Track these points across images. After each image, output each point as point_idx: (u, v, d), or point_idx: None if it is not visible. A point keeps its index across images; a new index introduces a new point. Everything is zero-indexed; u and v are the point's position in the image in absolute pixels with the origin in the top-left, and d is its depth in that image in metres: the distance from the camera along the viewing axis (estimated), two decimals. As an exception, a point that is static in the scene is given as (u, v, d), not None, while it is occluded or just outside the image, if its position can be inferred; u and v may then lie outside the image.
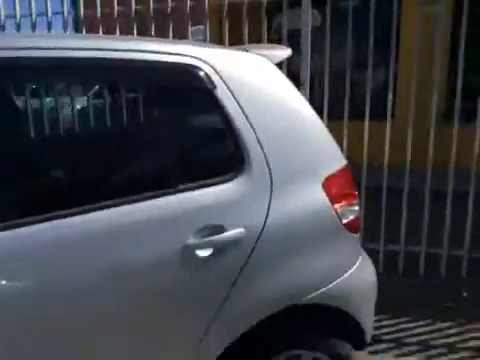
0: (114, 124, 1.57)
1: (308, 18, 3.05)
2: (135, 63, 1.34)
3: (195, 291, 1.37)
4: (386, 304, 2.27)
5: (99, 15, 3.49)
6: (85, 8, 3.74)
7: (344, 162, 1.64)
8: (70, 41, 1.38)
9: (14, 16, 3.89)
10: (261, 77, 1.50)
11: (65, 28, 3.83)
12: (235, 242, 1.38)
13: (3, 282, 1.19)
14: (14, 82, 1.42)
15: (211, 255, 1.36)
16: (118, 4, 3.38)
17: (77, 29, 4.30)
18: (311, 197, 1.51)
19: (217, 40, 3.48)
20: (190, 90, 1.41)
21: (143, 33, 3.23)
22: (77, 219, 1.27)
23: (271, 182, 1.44)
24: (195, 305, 1.38)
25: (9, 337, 1.20)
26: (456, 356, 2.35)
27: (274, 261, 1.45)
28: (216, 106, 1.38)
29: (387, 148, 3.10)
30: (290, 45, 2.04)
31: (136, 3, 3.40)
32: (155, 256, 1.30)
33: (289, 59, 1.84)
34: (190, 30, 3.30)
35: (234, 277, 1.40)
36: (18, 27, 3.83)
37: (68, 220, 1.25)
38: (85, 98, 1.85)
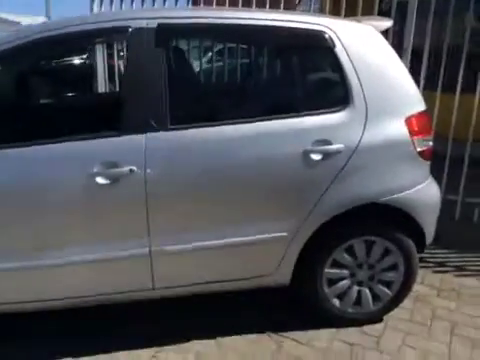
0: (268, 70, 2.35)
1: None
2: (283, 29, 2.08)
3: (308, 181, 2.10)
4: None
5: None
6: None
7: (423, 107, 2.22)
8: (241, 13, 2.15)
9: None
10: (367, 40, 2.15)
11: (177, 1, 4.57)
12: (337, 152, 2.07)
13: (182, 167, 1.99)
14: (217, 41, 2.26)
15: (321, 159, 2.07)
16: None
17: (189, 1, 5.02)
18: (394, 128, 2.14)
19: (334, 11, 4.04)
20: (318, 47, 2.12)
21: (249, 4, 3.86)
22: (238, 127, 2.05)
23: (366, 115, 2.10)
24: (307, 190, 2.11)
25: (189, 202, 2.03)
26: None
27: (363, 169, 2.12)
28: (334, 59, 2.07)
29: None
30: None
31: None
32: (286, 153, 2.05)
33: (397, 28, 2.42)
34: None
35: (334, 175, 2.10)
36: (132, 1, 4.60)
37: (235, 126, 2.05)
38: (249, 52, 2.71)
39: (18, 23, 22.67)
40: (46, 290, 2.07)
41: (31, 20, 24.36)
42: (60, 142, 1.97)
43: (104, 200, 1.97)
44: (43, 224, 1.97)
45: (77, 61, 7.78)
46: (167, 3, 4.51)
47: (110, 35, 2.18)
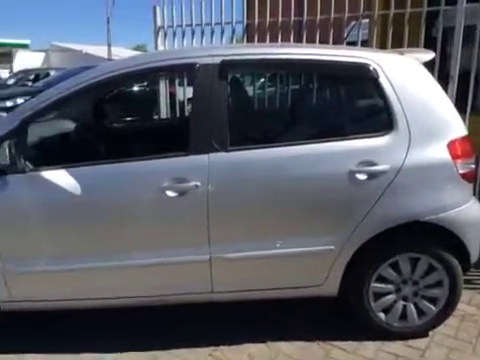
0: (317, 97, 2.61)
1: (461, 18, 3.48)
2: (333, 62, 2.33)
3: (353, 199, 2.29)
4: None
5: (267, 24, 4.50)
6: (248, 18, 4.81)
7: (464, 132, 2.37)
8: (295, 49, 2.43)
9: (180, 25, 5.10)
10: (409, 71, 2.35)
11: (233, 36, 4.94)
12: (382, 173, 2.26)
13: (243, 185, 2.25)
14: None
15: (366, 179, 2.26)
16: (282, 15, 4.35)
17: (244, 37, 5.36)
18: (437, 151, 2.29)
19: (381, 42, 4.24)
20: (363, 78, 2.35)
21: (299, 39, 4.14)
22: (290, 148, 2.29)
23: (409, 139, 2.27)
24: (353, 208, 2.30)
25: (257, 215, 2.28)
26: None
27: (407, 189, 2.28)
28: (378, 88, 2.29)
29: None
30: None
31: (295, 15, 4.34)
32: (333, 173, 2.26)
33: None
34: (351, 24, 4.12)
35: (379, 194, 2.27)
36: (183, 35, 5.02)
37: (287, 148, 2.30)
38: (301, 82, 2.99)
39: (80, 51, 24.51)
40: (121, 288, 2.37)
41: (93, 48, 26.07)
42: (136, 160, 2.30)
43: (172, 211, 2.26)
44: (119, 231, 2.28)
45: (144, 90, 8.48)
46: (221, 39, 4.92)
47: (181, 70, 2.53)
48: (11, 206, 2.25)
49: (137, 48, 41.35)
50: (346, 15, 4.27)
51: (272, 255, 2.31)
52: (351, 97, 2.48)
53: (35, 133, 2.40)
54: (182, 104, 5.32)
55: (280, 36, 4.39)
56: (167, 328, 2.60)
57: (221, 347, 2.42)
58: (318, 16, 4.37)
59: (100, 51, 24.63)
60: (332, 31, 4.20)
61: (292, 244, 2.31)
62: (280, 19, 4.53)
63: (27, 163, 2.21)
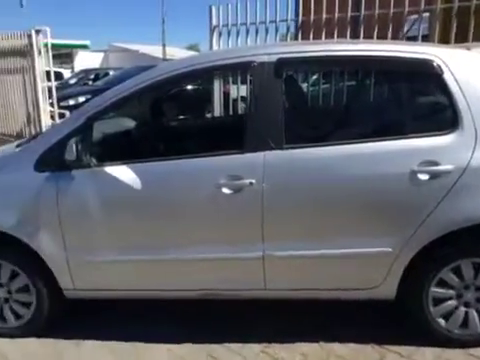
0: (376, 94, 2.54)
1: None
2: (393, 58, 2.26)
3: (414, 200, 2.21)
4: None
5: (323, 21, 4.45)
6: (303, 16, 4.76)
7: None
8: (356, 46, 2.38)
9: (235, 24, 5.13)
10: (476, 67, 2.22)
11: (287, 33, 4.92)
12: (446, 173, 2.16)
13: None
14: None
15: (428, 179, 2.17)
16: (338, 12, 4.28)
17: (297, 34, 5.33)
18: (506, 153, 2.16)
19: (443, 36, 4.07)
20: (426, 74, 2.26)
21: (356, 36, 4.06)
22: (347, 147, 2.25)
23: (476, 137, 2.16)
24: (413, 209, 2.22)
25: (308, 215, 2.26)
26: None
27: (472, 190, 2.17)
28: (442, 85, 2.19)
29: None
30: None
31: (352, 10, 4.24)
32: (393, 173, 2.19)
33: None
34: (410, 18, 3.99)
35: (442, 196, 2.18)
36: (237, 34, 5.08)
37: (344, 146, 2.26)
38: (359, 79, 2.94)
39: (137, 51, 25.40)
40: (177, 281, 2.44)
41: (149, 48, 26.93)
42: (193, 158, 2.35)
43: (227, 207, 2.29)
44: (176, 225, 2.35)
45: (198, 89, 8.67)
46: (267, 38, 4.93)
47: (239, 68, 2.55)
48: (76, 199, 2.37)
49: (190, 47, 42.12)
50: (406, 9, 4.15)
51: (326, 255, 2.29)
52: (413, 94, 2.40)
53: (98, 130, 2.52)
54: (236, 102, 5.38)
55: (336, 33, 4.33)
56: (219, 322, 2.65)
57: (273, 345, 2.43)
58: (376, 11, 4.27)
59: (155, 51, 25.36)
60: (391, 26, 4.09)
61: (347, 245, 2.27)
62: (336, 15, 4.47)
63: (92, 159, 2.33)
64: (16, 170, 2.44)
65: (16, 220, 2.40)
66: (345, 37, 4.22)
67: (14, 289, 2.57)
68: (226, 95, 5.49)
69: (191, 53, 24.50)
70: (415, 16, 4.23)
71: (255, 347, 2.42)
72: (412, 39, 3.81)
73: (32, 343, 2.57)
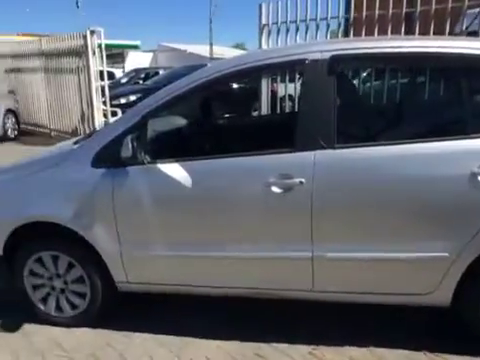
0: (433, 92, 2.45)
1: None
2: (453, 55, 2.16)
3: (474, 204, 2.09)
4: None
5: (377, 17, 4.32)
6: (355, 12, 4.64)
7: None
8: (412, 42, 2.29)
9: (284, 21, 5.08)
10: None
11: (338, 31, 4.83)
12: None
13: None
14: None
15: (488, 183, 2.07)
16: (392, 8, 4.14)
17: (347, 31, 5.22)
18: None
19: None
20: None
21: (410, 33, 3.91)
22: (401, 147, 2.17)
23: None
24: (472, 213, 2.10)
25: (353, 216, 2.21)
26: None
27: None
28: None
29: None
30: None
31: (407, 6, 4.08)
32: (451, 174, 2.09)
33: None
34: (470, 12, 3.82)
35: (504, 199, 2.06)
36: (287, 31, 5.03)
37: (398, 146, 2.18)
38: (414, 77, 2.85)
39: (185, 51, 25.87)
40: (226, 278, 2.46)
41: (196, 47, 27.34)
42: (242, 156, 2.35)
43: (276, 206, 2.28)
44: (225, 222, 2.36)
45: (246, 87, 8.70)
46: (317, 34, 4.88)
47: (291, 66, 2.53)
48: (130, 195, 2.44)
49: (236, 46, 42.33)
50: (466, 3, 3.95)
51: (377, 258, 2.22)
52: (474, 92, 2.27)
53: (152, 128, 2.58)
54: (284, 101, 5.35)
55: (390, 29, 4.20)
56: (266, 322, 2.65)
57: (321, 347, 2.40)
58: (433, 6, 4.10)
59: (203, 50, 25.66)
60: (449, 21, 3.93)
61: (400, 248, 2.20)
62: (390, 11, 4.34)
63: (145, 156, 2.39)
64: (74, 166, 2.55)
65: (73, 214, 2.50)
66: (399, 34, 4.08)
67: (70, 280, 2.69)
68: (273, 93, 5.47)
69: (238, 52, 24.60)
70: (475, 10, 4.02)
71: (302, 348, 2.40)
72: (473, 34, 3.63)
73: (86, 333, 2.68)
